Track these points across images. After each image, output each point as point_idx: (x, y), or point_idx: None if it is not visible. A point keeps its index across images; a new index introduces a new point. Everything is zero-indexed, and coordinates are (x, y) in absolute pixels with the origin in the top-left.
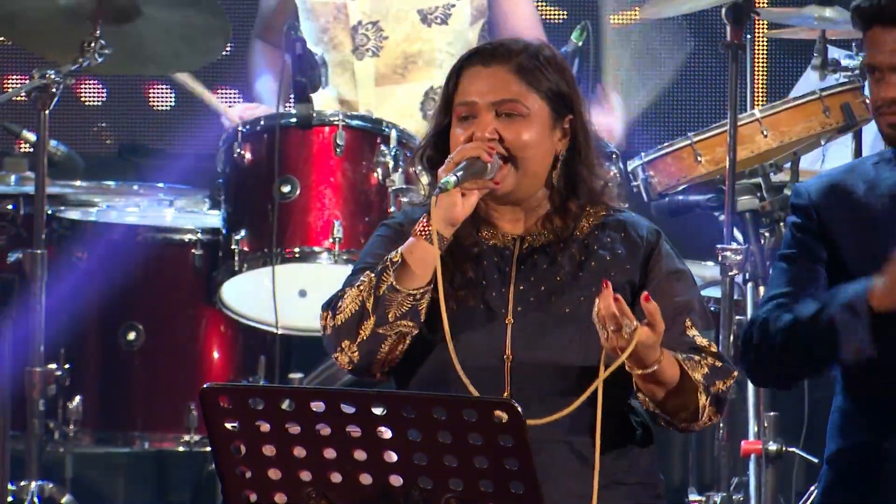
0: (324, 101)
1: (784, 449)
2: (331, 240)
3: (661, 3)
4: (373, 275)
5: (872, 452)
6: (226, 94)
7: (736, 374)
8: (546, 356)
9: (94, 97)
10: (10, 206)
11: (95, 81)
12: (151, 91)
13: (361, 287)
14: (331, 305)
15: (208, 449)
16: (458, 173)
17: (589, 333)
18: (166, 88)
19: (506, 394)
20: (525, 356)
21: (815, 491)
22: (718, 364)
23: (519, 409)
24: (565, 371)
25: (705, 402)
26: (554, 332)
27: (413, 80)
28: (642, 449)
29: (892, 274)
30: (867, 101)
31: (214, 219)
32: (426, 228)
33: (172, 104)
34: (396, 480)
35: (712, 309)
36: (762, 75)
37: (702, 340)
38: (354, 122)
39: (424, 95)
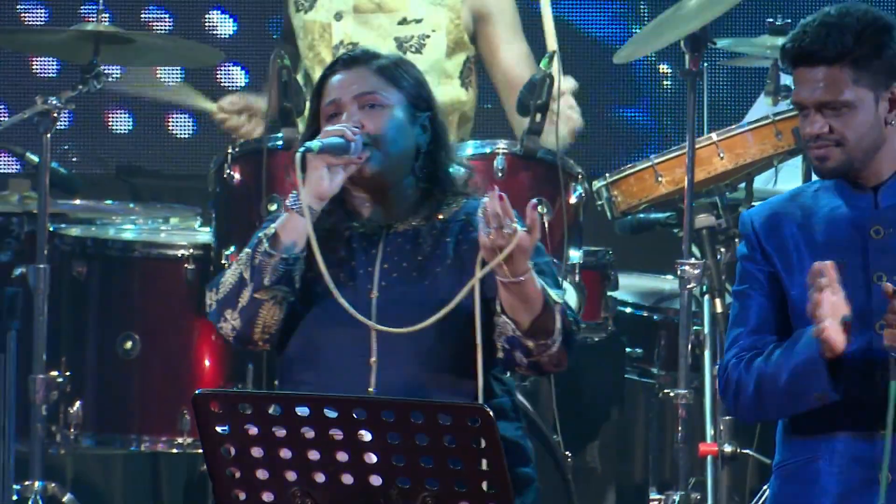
0: None
1: (739, 451)
2: None
3: (632, 46)
4: (248, 249)
5: (806, 468)
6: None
7: (580, 328)
8: (409, 327)
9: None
10: (14, 224)
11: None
12: (111, 116)
13: (239, 262)
14: (214, 285)
15: (200, 451)
16: (328, 145)
17: (449, 306)
18: (124, 113)
19: (372, 360)
20: (391, 328)
21: (767, 491)
22: (569, 319)
23: (490, 413)
24: (427, 341)
25: (560, 323)
26: (416, 305)
27: None
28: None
29: (824, 337)
30: None
31: (205, 235)
32: (296, 201)
33: (131, 128)
34: (376, 480)
35: (674, 320)
36: (719, 101)
37: (553, 295)
38: None
39: None
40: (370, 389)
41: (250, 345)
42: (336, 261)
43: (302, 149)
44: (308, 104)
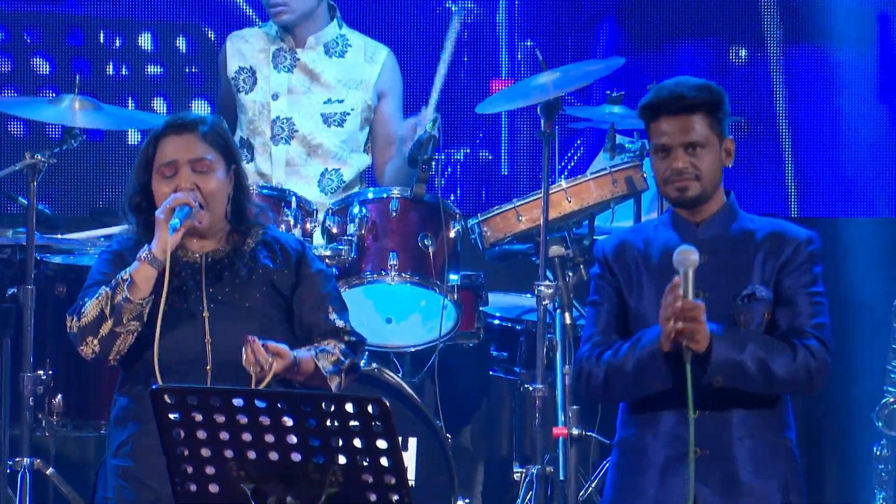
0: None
1: (584, 433)
2: None
3: (493, 104)
4: (108, 289)
5: (638, 443)
6: None
7: (365, 342)
8: (237, 340)
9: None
10: (8, 254)
11: None
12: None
13: (100, 298)
14: (75, 312)
15: None
16: (182, 218)
17: (267, 320)
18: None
19: (208, 367)
20: (221, 341)
21: (608, 465)
22: (353, 340)
23: (387, 402)
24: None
25: (337, 382)
26: (241, 321)
27: (314, 163)
28: None
29: (665, 328)
30: (644, 175)
31: None
32: (149, 255)
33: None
34: (297, 457)
35: (532, 330)
36: (567, 155)
37: (339, 323)
38: (265, 191)
39: (321, 175)
40: None
41: (104, 363)
42: (172, 289)
43: (172, 229)
44: (141, 155)
